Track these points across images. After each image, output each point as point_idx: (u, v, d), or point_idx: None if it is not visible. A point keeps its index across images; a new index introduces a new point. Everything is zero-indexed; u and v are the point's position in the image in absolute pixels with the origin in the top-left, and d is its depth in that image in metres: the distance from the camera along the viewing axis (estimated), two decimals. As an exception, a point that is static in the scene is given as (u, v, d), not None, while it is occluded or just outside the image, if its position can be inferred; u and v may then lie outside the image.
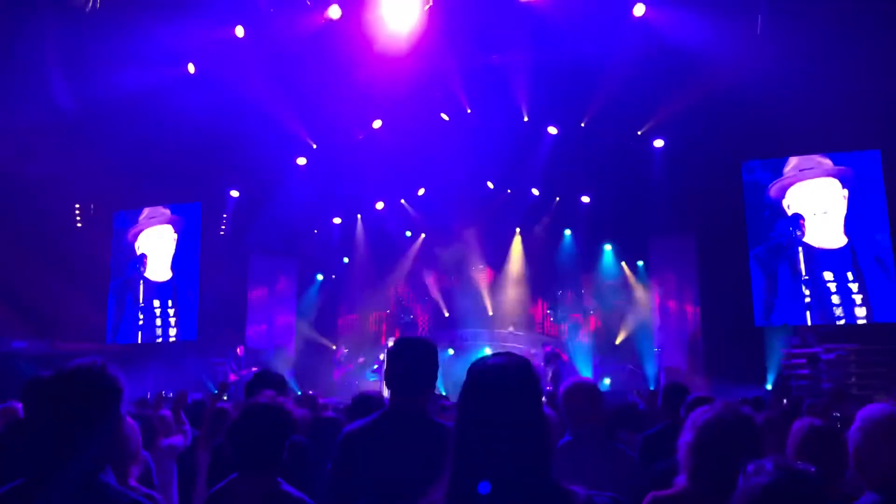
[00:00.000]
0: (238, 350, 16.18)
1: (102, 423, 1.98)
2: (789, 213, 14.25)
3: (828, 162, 14.12)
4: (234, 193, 17.37)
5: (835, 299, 13.66)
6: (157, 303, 17.70)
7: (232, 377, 15.27)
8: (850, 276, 13.61)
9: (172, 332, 17.36)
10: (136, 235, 18.19)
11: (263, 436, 2.55)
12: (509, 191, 16.97)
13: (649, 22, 12.63)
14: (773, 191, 14.42)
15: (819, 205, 14.08)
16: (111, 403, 2.02)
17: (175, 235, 17.85)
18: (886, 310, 13.32)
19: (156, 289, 17.82)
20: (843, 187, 13.92)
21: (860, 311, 13.50)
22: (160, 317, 17.60)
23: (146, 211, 18.10)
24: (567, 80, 13.75)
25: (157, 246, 17.98)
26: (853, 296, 13.55)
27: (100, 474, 1.97)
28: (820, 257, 13.88)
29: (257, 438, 2.55)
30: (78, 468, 1.92)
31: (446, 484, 1.56)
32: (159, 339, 17.37)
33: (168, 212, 17.97)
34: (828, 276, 13.78)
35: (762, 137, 13.75)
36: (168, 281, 17.76)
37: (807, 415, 4.68)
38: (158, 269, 17.88)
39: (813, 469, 1.60)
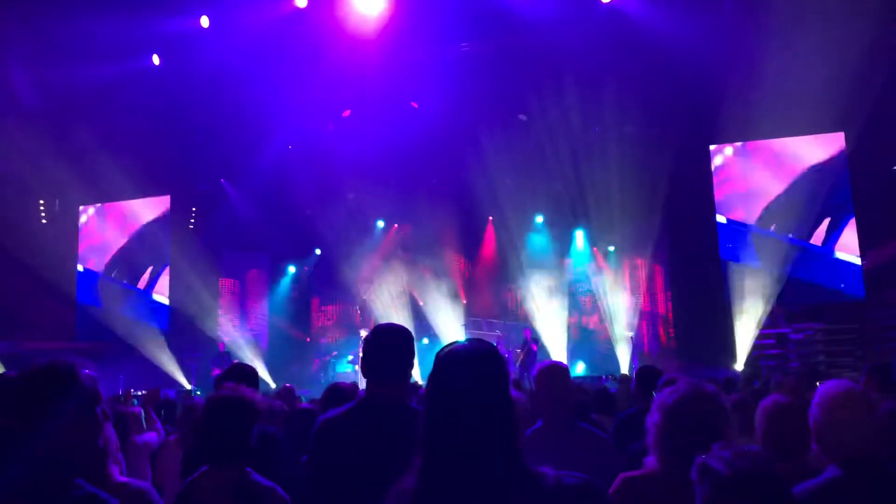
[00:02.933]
0: (220, 346, 16.06)
1: (74, 425, 1.90)
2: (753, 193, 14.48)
3: (787, 143, 14.37)
4: (206, 186, 17.19)
5: (803, 279, 13.91)
6: (126, 298, 17.46)
7: (215, 372, 15.14)
8: (815, 254, 13.87)
9: (143, 327, 17.13)
10: (102, 230, 17.90)
11: (228, 427, 2.59)
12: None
13: (617, 9, 12.70)
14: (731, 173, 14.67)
15: (781, 187, 14.32)
16: (83, 405, 1.95)
17: (144, 229, 17.60)
18: (852, 287, 13.60)
19: (125, 283, 17.57)
20: (805, 169, 14.17)
21: (829, 290, 13.78)
22: (130, 312, 17.35)
23: (113, 205, 17.80)
24: (536, 67, 13.77)
25: (124, 240, 17.72)
26: (820, 275, 13.82)
27: (73, 478, 1.87)
28: (786, 238, 14.10)
29: (223, 431, 2.59)
30: (44, 471, 1.85)
31: (417, 469, 1.57)
32: (129, 335, 17.12)
33: (137, 205, 17.69)
34: (795, 255, 14.02)
35: (728, 121, 13.90)
36: (138, 275, 17.52)
37: (774, 392, 4.75)
38: (127, 263, 17.63)
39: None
